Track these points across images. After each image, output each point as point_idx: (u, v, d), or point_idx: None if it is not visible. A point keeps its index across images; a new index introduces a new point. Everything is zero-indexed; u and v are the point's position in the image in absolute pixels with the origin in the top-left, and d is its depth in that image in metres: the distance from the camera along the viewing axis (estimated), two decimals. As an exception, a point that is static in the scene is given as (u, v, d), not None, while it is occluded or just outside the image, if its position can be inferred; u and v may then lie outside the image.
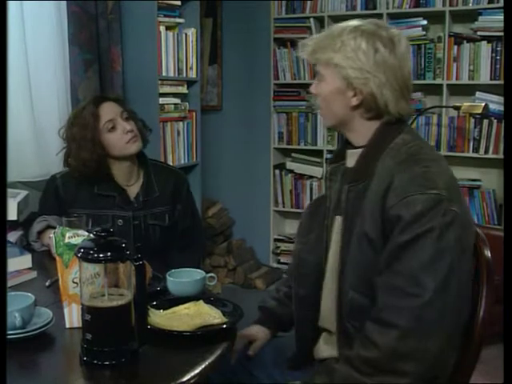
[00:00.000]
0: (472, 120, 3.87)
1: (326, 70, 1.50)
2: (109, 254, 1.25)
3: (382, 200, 1.38)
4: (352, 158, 1.54)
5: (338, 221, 1.55)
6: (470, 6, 3.83)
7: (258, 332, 1.75)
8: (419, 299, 1.29)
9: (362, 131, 1.51)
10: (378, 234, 1.39)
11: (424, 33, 3.96)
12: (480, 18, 3.78)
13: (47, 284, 1.80)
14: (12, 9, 2.63)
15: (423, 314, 1.29)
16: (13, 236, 2.22)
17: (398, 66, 1.46)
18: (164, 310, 1.53)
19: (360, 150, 1.52)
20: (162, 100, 3.38)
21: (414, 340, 1.30)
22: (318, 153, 4.40)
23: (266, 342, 1.74)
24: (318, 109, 1.61)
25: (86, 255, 1.25)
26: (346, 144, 1.59)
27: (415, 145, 1.46)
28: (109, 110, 2.25)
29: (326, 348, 1.59)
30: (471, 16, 3.83)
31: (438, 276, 1.30)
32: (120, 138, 2.23)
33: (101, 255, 1.25)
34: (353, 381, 1.33)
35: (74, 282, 1.46)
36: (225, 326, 1.45)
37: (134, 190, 2.33)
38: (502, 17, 3.67)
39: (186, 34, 3.58)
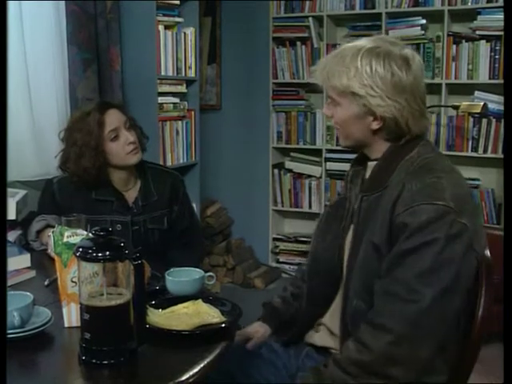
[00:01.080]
0: (471, 119, 3.88)
1: (342, 97, 1.46)
2: (107, 253, 1.25)
3: (391, 209, 1.39)
4: (370, 170, 1.54)
5: (352, 226, 1.57)
6: (469, 5, 3.83)
7: (258, 329, 1.77)
8: (415, 305, 1.30)
9: (381, 149, 1.51)
10: (384, 241, 1.39)
11: (423, 32, 3.96)
12: (479, 17, 3.79)
13: (46, 283, 1.80)
14: (11, 8, 2.62)
15: (418, 320, 1.30)
16: (11, 235, 2.22)
17: (415, 85, 1.44)
18: (163, 309, 1.53)
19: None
20: (160, 99, 3.38)
21: (406, 346, 1.31)
22: (317, 152, 4.40)
23: (265, 338, 1.75)
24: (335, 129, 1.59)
25: (85, 254, 1.25)
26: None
27: (429, 157, 1.46)
28: (113, 118, 2.23)
29: (328, 338, 1.60)
30: (470, 15, 3.83)
31: (437, 286, 1.31)
32: (122, 148, 2.22)
33: (99, 254, 1.24)
34: (339, 382, 1.35)
35: (72, 282, 1.46)
36: (223, 325, 1.45)
37: (131, 195, 2.33)
38: (501, 16, 3.67)
39: (184, 34, 3.58)
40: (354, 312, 1.45)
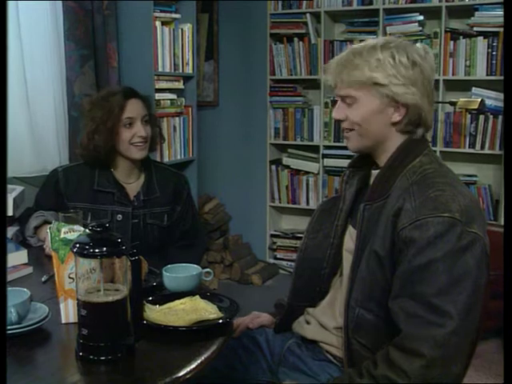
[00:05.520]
0: (468, 115, 3.88)
1: (360, 91, 1.45)
2: (104, 249, 1.25)
3: (393, 219, 1.39)
4: (373, 178, 1.54)
5: (351, 231, 1.57)
6: (467, 1, 3.83)
7: (266, 318, 1.83)
8: (443, 329, 1.29)
9: (395, 144, 1.50)
10: (387, 251, 1.39)
11: (420, 28, 3.96)
12: (476, 13, 3.79)
13: (43, 279, 1.80)
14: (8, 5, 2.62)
15: (447, 342, 1.29)
16: (8, 232, 2.22)
17: (432, 75, 1.48)
18: (160, 305, 1.53)
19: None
20: (158, 95, 3.38)
21: (439, 367, 1.30)
22: (315, 148, 4.40)
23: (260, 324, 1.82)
24: (345, 135, 1.55)
25: (82, 250, 1.25)
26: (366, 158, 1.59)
27: (431, 168, 1.45)
28: (134, 108, 2.26)
29: (318, 332, 1.62)
30: (467, 11, 3.83)
31: (458, 303, 1.30)
32: (131, 137, 2.25)
33: (96, 250, 1.24)
34: None
35: (69, 278, 1.46)
36: (221, 321, 1.45)
37: (133, 189, 2.34)
38: (499, 12, 3.68)
39: (182, 30, 3.57)
40: (357, 320, 1.46)
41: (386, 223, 1.41)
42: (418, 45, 1.50)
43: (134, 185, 2.35)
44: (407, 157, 1.47)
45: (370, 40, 1.50)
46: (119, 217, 2.28)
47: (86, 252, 1.25)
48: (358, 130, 1.50)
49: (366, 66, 1.43)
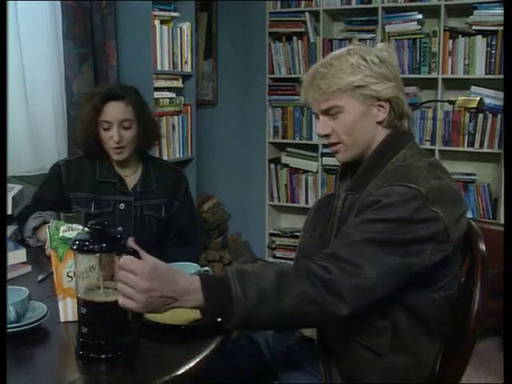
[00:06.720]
0: (467, 114, 3.89)
1: (342, 98, 1.48)
2: (104, 245, 1.25)
3: (363, 197, 1.41)
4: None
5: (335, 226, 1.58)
6: (465, 0, 3.83)
7: None
8: (355, 279, 1.29)
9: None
10: None
11: (419, 27, 3.96)
12: (475, 12, 3.79)
13: (39, 278, 1.80)
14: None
15: (351, 291, 1.30)
16: (7, 230, 2.22)
17: (398, 69, 1.53)
18: (159, 303, 1.53)
19: None
20: (156, 94, 3.37)
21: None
22: (314, 147, 4.40)
23: None
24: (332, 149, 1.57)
25: (82, 247, 1.25)
26: None
27: (412, 160, 1.47)
28: (112, 111, 2.26)
29: (315, 331, 1.62)
30: (466, 10, 3.84)
31: (380, 266, 1.31)
32: (108, 140, 2.28)
33: (96, 246, 1.24)
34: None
35: (68, 276, 1.46)
36: (220, 319, 1.45)
37: (131, 181, 2.38)
38: (497, 11, 3.68)
39: (180, 28, 3.57)
40: None
41: (359, 208, 1.43)
42: (379, 45, 1.56)
43: (131, 178, 2.39)
44: (390, 149, 1.50)
45: (334, 52, 1.56)
46: (122, 206, 2.32)
47: (85, 248, 1.25)
48: (345, 142, 1.52)
49: (342, 73, 1.47)
